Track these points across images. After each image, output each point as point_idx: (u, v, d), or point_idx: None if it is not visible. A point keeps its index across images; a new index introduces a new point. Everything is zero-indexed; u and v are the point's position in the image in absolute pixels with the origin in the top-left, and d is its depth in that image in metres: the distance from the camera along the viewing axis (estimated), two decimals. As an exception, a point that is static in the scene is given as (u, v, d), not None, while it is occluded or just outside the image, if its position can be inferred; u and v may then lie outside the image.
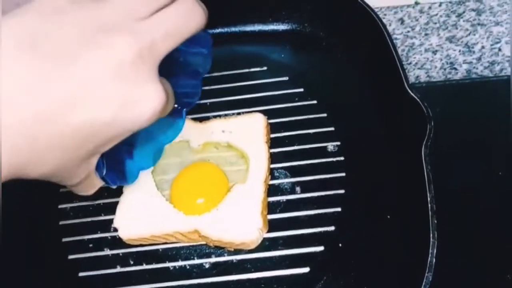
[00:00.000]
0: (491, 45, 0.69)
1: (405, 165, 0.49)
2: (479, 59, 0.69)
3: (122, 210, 0.51)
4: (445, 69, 0.69)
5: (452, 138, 0.59)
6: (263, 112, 0.56)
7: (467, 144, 0.61)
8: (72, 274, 0.50)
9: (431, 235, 0.42)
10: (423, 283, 0.40)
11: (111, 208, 0.52)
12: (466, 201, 0.56)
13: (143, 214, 0.50)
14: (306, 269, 0.48)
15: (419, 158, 0.46)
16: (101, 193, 0.54)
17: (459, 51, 0.69)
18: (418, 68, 0.69)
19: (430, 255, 0.41)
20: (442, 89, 0.67)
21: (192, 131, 0.55)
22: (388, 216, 0.49)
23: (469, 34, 0.69)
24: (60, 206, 0.54)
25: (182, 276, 0.49)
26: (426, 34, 0.69)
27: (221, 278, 0.48)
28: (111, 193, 0.54)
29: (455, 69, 0.69)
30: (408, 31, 0.70)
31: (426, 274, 0.40)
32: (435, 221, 0.42)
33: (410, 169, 0.48)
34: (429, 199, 0.43)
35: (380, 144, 0.53)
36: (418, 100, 0.48)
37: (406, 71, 0.54)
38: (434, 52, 0.69)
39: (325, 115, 0.57)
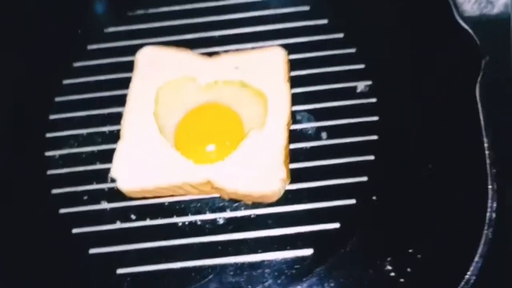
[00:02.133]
0: (533, -24, 0.61)
1: (452, 106, 0.42)
2: (519, -8, 0.61)
3: (121, 158, 0.43)
4: (480, 4, 0.62)
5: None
6: (282, 46, 0.48)
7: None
8: (64, 230, 0.43)
9: (489, 186, 0.36)
10: (481, 242, 0.34)
11: (107, 156, 0.45)
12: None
13: (145, 163, 0.43)
14: (336, 225, 0.42)
15: (471, 98, 0.39)
16: (94, 138, 0.47)
17: (497, -18, 0.61)
18: (451, 2, 0.61)
19: (489, 209, 0.35)
20: (477, 25, 0.60)
21: (199, 67, 0.47)
22: (430, 165, 0.43)
23: (508, -38, 0.61)
24: (47, 154, 0.47)
25: (192, 233, 0.42)
26: (460, -37, 0.61)
27: (238, 235, 0.42)
28: (106, 139, 0.47)
29: (491, 3, 0.62)
30: (440, -41, 0.61)
31: (484, 231, 0.35)
32: (494, 170, 0.36)
33: (458, 111, 0.41)
34: (486, 145, 0.37)
35: (420, 83, 0.46)
36: (470, 31, 0.41)
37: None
38: (469, -16, 0.61)
39: (353, 50, 0.49)
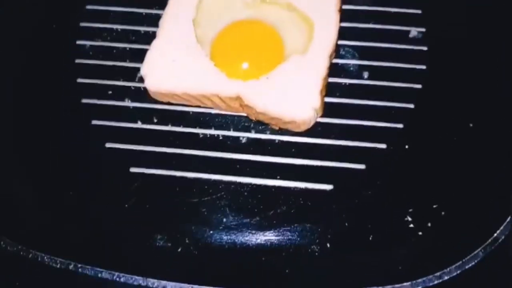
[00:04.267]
0: None
1: (508, 67, 0.40)
2: None
3: (153, 57, 0.42)
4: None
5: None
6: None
7: None
8: (84, 120, 0.42)
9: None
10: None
11: (139, 55, 0.43)
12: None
13: (177, 67, 0.41)
14: (361, 166, 0.40)
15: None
16: (129, 36, 0.46)
17: None
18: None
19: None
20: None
21: (249, -19, 0.45)
22: (471, 124, 0.41)
23: None
24: (78, 42, 0.45)
25: (212, 146, 0.41)
26: None
27: (258, 158, 0.40)
28: (140, 38, 0.46)
29: None
30: None
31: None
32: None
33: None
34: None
35: (477, 36, 0.43)
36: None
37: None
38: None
39: (413, -7, 0.46)
